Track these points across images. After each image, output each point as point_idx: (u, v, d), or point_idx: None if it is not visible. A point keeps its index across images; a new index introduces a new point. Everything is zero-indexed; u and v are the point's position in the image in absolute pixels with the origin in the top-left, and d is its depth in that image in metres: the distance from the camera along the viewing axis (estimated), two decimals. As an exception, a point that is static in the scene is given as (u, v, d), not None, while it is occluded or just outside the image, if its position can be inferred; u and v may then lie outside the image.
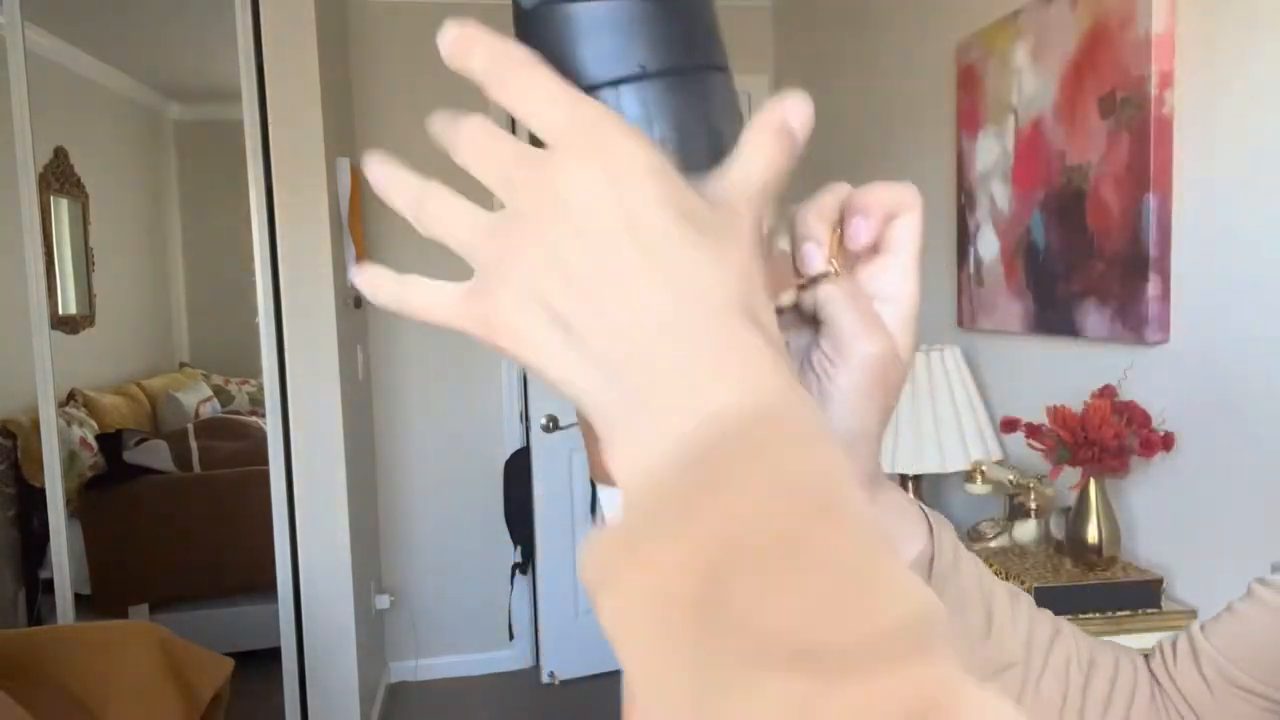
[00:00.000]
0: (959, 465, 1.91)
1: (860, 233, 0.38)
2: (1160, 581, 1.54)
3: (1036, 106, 1.87)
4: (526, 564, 3.61)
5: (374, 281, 0.34)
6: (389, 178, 0.33)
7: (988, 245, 2.08)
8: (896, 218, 0.39)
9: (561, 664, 3.51)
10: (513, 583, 3.66)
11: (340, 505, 2.86)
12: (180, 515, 3.58)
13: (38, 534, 3.20)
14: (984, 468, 1.88)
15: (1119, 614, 1.49)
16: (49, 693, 2.03)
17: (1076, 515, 1.62)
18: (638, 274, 0.28)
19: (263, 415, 3.14)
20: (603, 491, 0.32)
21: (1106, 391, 1.63)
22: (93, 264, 4.21)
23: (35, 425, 2.98)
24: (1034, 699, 0.48)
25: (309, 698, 2.91)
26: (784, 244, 0.39)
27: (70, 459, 3.33)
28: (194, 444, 3.89)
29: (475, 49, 0.30)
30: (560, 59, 0.31)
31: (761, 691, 0.22)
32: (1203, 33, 1.48)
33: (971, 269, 2.16)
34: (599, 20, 0.31)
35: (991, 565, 1.62)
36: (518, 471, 3.54)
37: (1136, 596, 1.51)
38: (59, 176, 3.88)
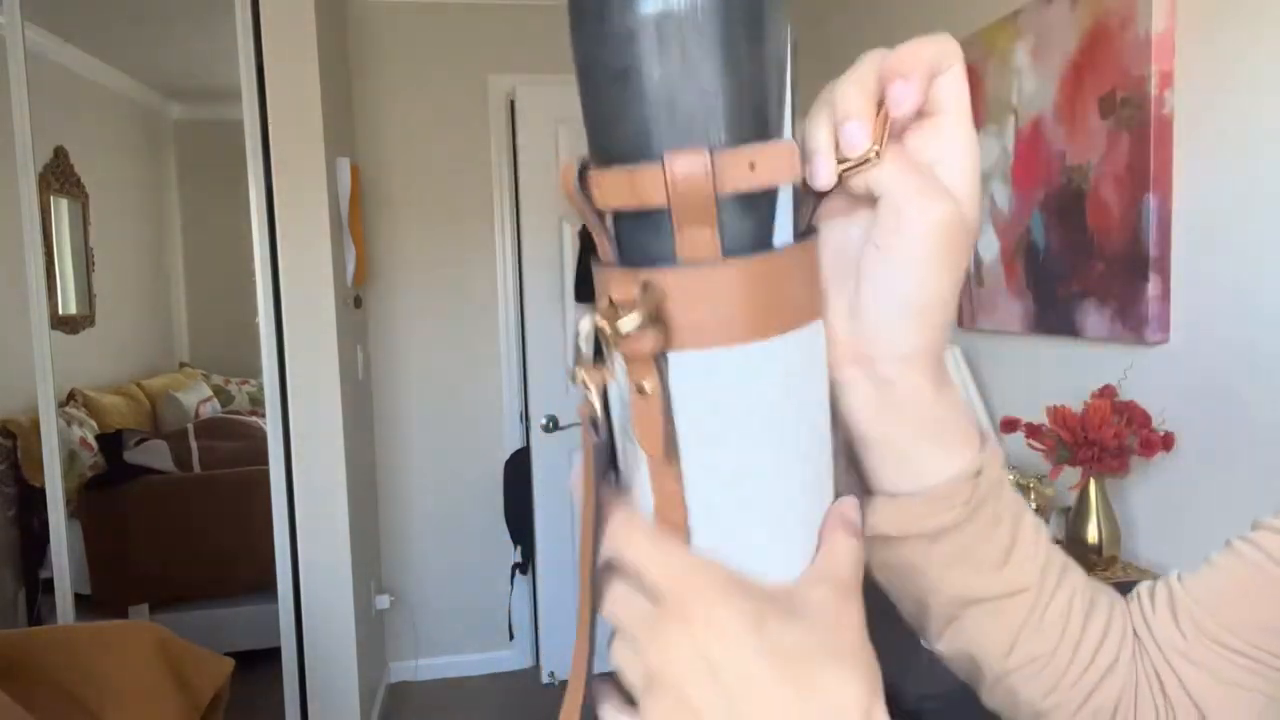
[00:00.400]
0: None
1: (904, 97, 0.36)
2: (1160, 581, 1.54)
3: (1036, 106, 1.87)
4: (526, 564, 3.61)
5: None
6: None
7: (988, 245, 2.08)
8: (939, 75, 0.37)
9: (561, 664, 3.51)
10: (513, 583, 3.66)
11: (340, 505, 2.86)
12: (180, 515, 3.58)
13: (38, 534, 3.20)
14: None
15: (1119, 614, 1.49)
16: (49, 693, 2.03)
17: (1076, 515, 1.62)
18: None
19: (263, 415, 3.14)
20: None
21: (1106, 391, 1.63)
22: (93, 264, 4.21)
23: (35, 425, 2.98)
24: (1037, 628, 0.48)
25: (309, 698, 2.91)
26: (822, 125, 0.37)
27: (70, 459, 3.33)
28: (194, 444, 3.89)
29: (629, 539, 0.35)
30: None
31: None
32: (1203, 33, 1.48)
33: (971, 269, 2.16)
34: None
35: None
36: (518, 471, 3.54)
37: (1136, 596, 1.51)
38: (59, 176, 3.88)
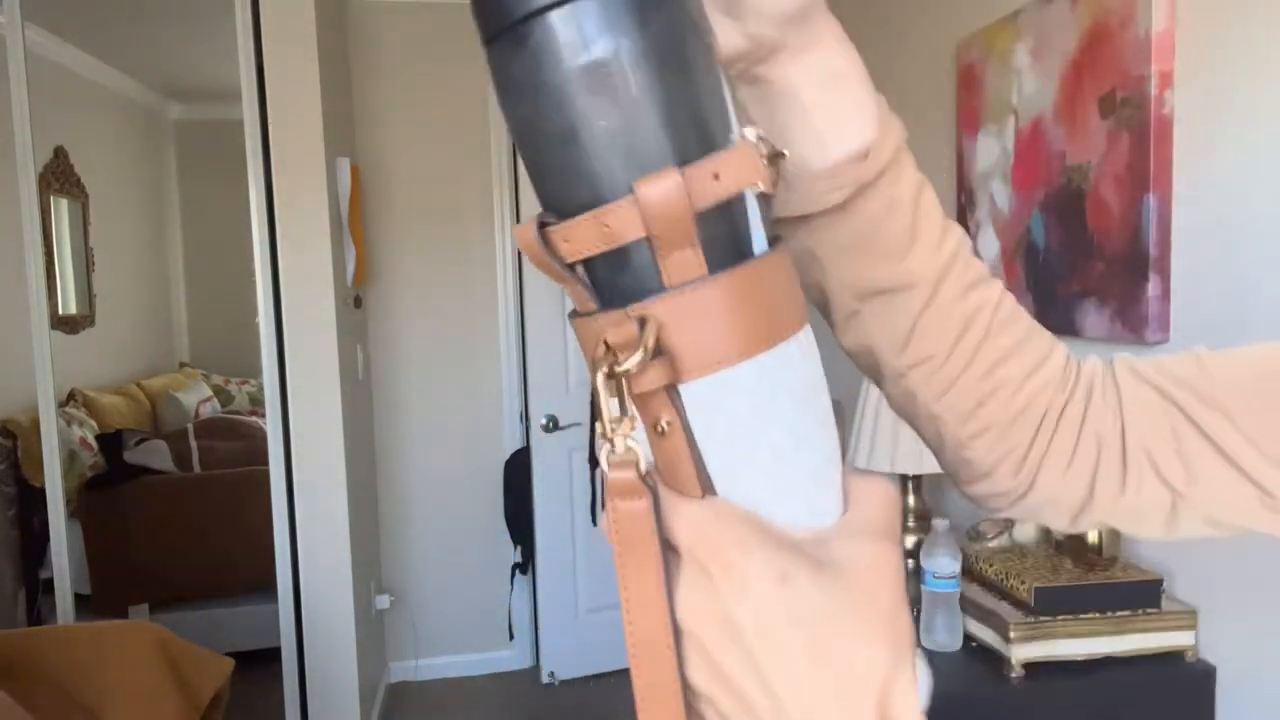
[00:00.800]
0: (959, 465, 1.90)
1: None
2: (1160, 581, 1.54)
3: (1036, 106, 1.87)
4: (526, 564, 3.61)
5: None
6: None
7: (988, 245, 2.08)
8: None
9: (561, 664, 3.51)
10: (513, 583, 3.66)
11: (340, 505, 2.86)
12: (180, 515, 3.58)
13: (38, 534, 3.20)
14: (984, 468, 1.87)
15: (1119, 614, 1.49)
16: (49, 692, 2.03)
17: (1076, 515, 1.62)
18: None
19: (263, 415, 3.14)
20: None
21: (1106, 391, 1.63)
22: (93, 264, 4.21)
23: (35, 425, 2.98)
24: (932, 327, 0.50)
25: (309, 698, 2.91)
26: None
27: (70, 459, 3.33)
28: (194, 444, 3.89)
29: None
30: None
31: None
32: (1203, 33, 1.48)
33: (971, 269, 2.16)
34: None
35: (992, 565, 1.62)
36: (518, 471, 3.54)
37: (1136, 596, 1.51)
38: (59, 176, 3.88)
